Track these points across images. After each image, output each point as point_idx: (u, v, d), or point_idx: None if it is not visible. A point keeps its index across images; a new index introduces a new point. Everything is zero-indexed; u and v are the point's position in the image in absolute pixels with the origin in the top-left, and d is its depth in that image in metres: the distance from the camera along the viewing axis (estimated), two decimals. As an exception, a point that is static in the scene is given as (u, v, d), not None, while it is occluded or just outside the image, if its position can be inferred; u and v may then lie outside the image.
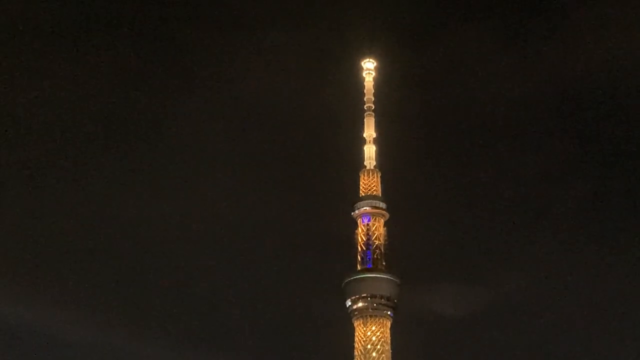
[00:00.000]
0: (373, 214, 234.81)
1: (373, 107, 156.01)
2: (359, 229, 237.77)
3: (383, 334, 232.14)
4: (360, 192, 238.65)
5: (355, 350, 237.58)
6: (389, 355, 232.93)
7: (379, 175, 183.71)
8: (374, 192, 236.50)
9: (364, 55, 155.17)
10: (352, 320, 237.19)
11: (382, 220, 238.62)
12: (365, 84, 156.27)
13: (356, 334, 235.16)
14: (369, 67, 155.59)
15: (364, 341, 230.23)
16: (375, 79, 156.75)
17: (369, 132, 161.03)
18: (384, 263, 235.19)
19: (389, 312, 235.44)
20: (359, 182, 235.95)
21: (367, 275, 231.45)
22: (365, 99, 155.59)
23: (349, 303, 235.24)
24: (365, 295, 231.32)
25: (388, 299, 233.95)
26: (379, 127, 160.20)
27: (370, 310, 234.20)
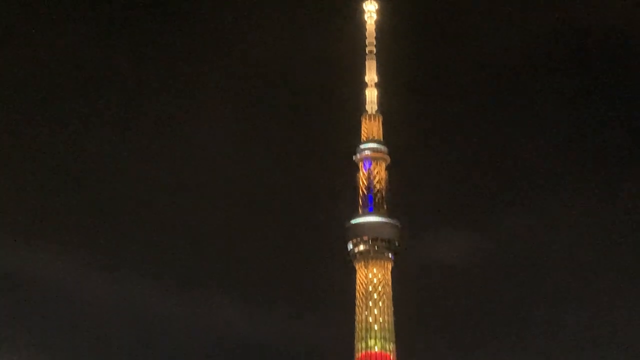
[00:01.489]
0: (374, 158, 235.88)
1: (374, 50, 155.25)
2: (360, 173, 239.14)
3: (384, 276, 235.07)
4: (362, 136, 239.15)
5: (356, 293, 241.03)
6: (390, 297, 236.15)
7: (380, 120, 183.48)
8: (376, 137, 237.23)
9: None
10: (354, 263, 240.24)
11: (384, 165, 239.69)
12: (367, 26, 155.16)
13: (357, 276, 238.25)
14: (370, 9, 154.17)
15: (365, 284, 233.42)
16: (376, 22, 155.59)
17: (371, 75, 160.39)
18: (385, 207, 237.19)
19: (390, 255, 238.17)
20: (361, 126, 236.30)
21: (368, 219, 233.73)
22: (366, 42, 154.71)
23: (350, 246, 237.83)
24: (366, 238, 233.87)
25: (389, 242, 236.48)
26: (380, 70, 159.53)
27: (372, 253, 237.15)
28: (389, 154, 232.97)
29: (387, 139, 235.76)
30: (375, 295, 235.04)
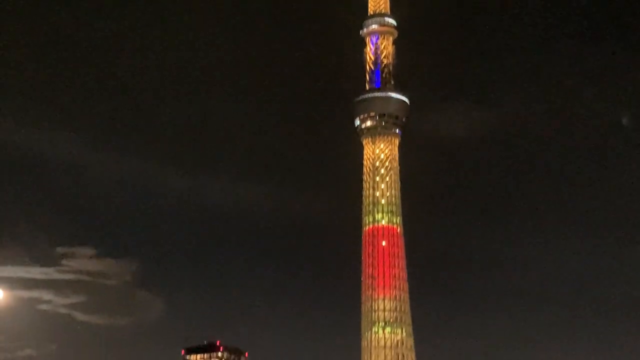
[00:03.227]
0: (382, 33, 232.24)
1: None
2: (367, 48, 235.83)
3: (391, 151, 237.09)
4: (369, 10, 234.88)
5: (364, 168, 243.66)
6: (397, 172, 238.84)
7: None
8: (383, 10, 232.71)
9: None
10: (361, 138, 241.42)
11: (391, 39, 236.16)
12: None
13: (365, 152, 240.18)
14: None
15: (372, 159, 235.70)
16: None
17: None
18: (392, 82, 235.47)
19: (397, 131, 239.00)
20: (368, 0, 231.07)
21: (376, 95, 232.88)
22: None
23: (357, 122, 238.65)
24: (374, 114, 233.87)
25: (396, 117, 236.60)
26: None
27: (379, 128, 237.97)
28: (397, 28, 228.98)
29: (395, 12, 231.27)
30: (382, 171, 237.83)
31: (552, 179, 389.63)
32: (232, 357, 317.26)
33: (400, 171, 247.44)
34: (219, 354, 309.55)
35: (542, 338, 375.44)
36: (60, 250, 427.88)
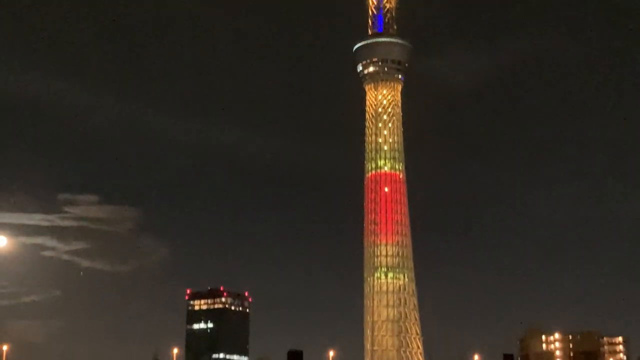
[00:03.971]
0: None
1: None
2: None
3: (394, 97, 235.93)
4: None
5: (366, 114, 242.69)
6: (400, 118, 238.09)
7: None
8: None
9: None
10: (364, 84, 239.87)
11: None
12: None
13: (367, 98, 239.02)
14: None
15: (375, 105, 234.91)
16: None
17: None
18: (395, 27, 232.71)
19: (399, 76, 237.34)
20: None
21: (378, 40, 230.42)
22: None
23: (360, 68, 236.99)
24: (376, 59, 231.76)
25: (399, 63, 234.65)
26: None
27: (382, 74, 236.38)
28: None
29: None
30: (384, 117, 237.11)
31: (552, 124, 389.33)
32: (236, 302, 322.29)
33: (403, 117, 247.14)
34: (223, 299, 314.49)
35: (538, 272, 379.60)
36: (62, 197, 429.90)
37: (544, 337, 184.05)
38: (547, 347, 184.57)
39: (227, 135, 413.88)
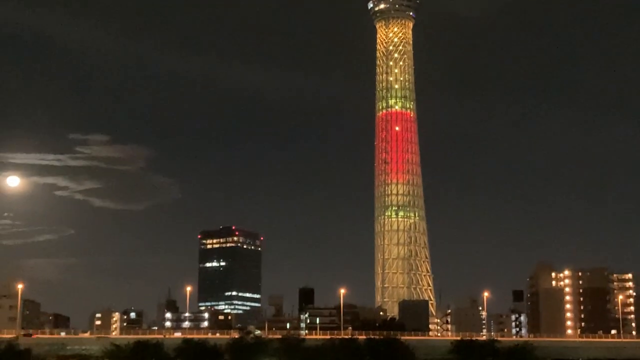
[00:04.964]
0: None
1: None
2: None
3: (405, 35, 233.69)
4: None
5: (377, 52, 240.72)
6: (411, 56, 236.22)
7: None
8: None
9: None
10: (374, 22, 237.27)
11: None
12: None
13: (378, 36, 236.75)
14: None
15: (386, 43, 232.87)
16: None
17: None
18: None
19: (411, 13, 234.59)
20: None
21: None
22: None
23: (370, 5, 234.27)
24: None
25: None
26: None
27: (393, 12, 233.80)
28: None
29: None
30: (395, 55, 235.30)
31: (570, 59, 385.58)
32: (248, 240, 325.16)
33: (414, 55, 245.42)
34: (235, 237, 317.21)
35: (548, 210, 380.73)
36: (73, 137, 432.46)
37: (553, 274, 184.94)
38: (556, 283, 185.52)
39: (237, 73, 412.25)
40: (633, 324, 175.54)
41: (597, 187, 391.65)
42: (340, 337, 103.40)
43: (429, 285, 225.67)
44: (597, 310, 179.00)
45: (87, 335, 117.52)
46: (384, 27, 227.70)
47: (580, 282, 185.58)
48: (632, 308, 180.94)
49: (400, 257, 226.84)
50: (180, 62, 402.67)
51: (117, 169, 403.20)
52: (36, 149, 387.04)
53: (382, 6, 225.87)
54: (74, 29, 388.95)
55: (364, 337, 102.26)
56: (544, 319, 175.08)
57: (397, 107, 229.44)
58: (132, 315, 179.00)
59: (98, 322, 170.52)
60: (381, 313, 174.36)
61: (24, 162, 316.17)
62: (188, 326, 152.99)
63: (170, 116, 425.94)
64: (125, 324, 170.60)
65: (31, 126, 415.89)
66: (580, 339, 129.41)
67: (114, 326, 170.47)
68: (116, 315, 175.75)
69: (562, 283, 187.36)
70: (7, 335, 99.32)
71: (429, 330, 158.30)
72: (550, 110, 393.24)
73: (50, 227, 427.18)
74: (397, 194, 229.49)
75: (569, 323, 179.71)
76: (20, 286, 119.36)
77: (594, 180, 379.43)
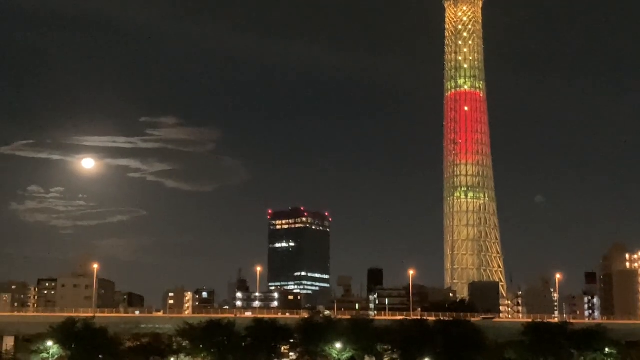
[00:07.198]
0: None
1: None
2: None
3: (474, 14, 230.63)
4: None
5: (445, 32, 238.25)
6: (480, 35, 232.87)
7: None
8: None
9: None
10: (443, 1, 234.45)
11: None
12: None
13: (447, 15, 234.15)
14: None
15: (454, 22, 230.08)
16: None
17: None
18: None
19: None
20: None
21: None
22: None
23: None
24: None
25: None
26: None
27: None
28: None
29: None
30: (464, 34, 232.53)
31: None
32: (316, 221, 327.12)
33: (484, 34, 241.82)
34: (304, 218, 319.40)
35: (623, 189, 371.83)
36: (144, 120, 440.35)
37: (627, 255, 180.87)
38: (630, 265, 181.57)
39: (306, 54, 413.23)
40: None
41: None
42: (410, 318, 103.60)
43: (499, 267, 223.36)
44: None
45: (160, 314, 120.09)
46: (452, 6, 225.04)
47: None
48: None
49: (470, 238, 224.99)
50: (250, 44, 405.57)
51: (187, 151, 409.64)
52: (109, 132, 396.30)
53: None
54: (144, 13, 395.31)
55: (433, 318, 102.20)
56: (617, 301, 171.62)
57: (466, 87, 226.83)
58: (204, 294, 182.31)
59: (171, 302, 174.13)
60: (451, 294, 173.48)
61: (97, 144, 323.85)
62: (258, 306, 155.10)
63: (239, 98, 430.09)
64: (197, 303, 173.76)
65: (104, 110, 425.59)
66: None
67: (186, 305, 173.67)
68: (189, 295, 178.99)
69: (636, 265, 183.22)
70: (84, 314, 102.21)
71: (500, 312, 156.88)
72: (622, 92, 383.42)
73: (123, 208, 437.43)
74: (466, 175, 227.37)
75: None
76: (95, 266, 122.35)
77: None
